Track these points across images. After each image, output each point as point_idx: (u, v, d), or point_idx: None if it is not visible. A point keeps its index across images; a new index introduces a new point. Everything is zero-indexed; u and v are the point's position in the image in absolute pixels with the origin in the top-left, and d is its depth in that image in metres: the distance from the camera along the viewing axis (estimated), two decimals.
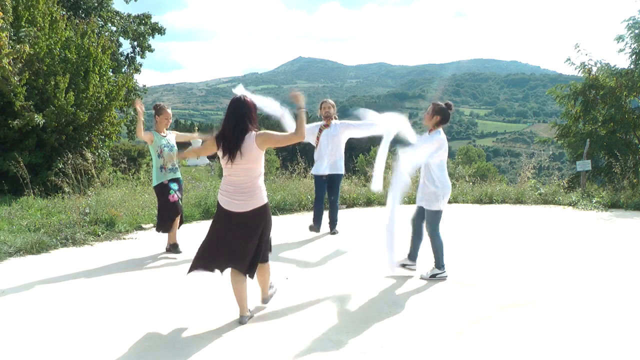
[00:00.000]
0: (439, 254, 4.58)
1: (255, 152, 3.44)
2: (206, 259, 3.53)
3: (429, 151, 4.48)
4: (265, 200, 3.57)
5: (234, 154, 3.41)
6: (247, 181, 3.47)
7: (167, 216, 5.36)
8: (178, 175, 5.45)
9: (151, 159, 5.68)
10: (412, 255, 4.81)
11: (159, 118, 5.39)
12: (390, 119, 5.08)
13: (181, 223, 5.59)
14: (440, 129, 4.55)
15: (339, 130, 6.16)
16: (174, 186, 5.36)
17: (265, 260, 3.68)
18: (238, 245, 3.49)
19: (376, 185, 5.15)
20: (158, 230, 5.52)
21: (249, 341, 3.28)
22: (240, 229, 3.49)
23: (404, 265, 4.79)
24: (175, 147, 5.47)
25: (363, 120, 5.91)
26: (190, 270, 3.58)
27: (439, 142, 4.46)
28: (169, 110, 5.44)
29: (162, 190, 5.33)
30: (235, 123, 3.42)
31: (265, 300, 3.91)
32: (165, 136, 5.40)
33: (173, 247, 5.50)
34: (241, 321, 3.58)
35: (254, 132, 3.46)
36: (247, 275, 3.58)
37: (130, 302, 4.04)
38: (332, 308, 3.88)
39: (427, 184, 4.56)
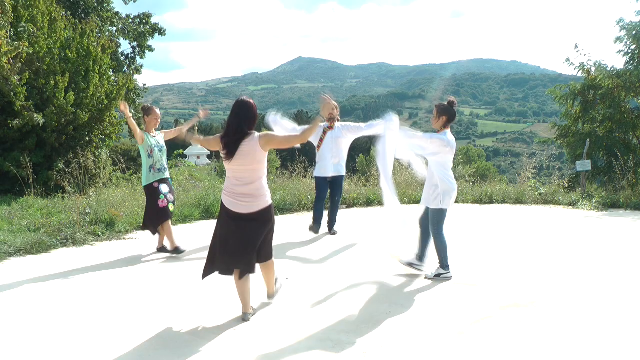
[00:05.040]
0: (443, 254, 4.57)
1: (259, 154, 3.46)
2: (216, 262, 3.57)
3: (425, 148, 4.46)
4: (270, 202, 3.58)
5: (236, 155, 3.44)
6: (251, 182, 3.49)
7: (156, 219, 5.36)
8: (167, 175, 5.47)
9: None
10: (421, 256, 4.76)
11: (147, 118, 5.40)
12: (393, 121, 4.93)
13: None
14: (448, 130, 4.51)
15: (342, 133, 6.20)
16: (164, 189, 5.36)
17: (269, 257, 3.70)
18: (243, 246, 3.49)
19: (392, 205, 4.56)
20: (144, 229, 5.61)
21: (248, 341, 3.27)
22: (245, 231, 3.49)
23: (411, 265, 4.76)
24: (165, 147, 5.51)
25: (366, 123, 5.94)
26: (204, 275, 3.65)
27: (441, 142, 4.42)
28: (158, 111, 5.47)
29: (151, 193, 5.34)
30: (239, 125, 3.45)
31: (271, 296, 3.92)
32: (154, 136, 5.43)
33: (175, 250, 5.47)
34: (244, 318, 3.58)
35: (257, 134, 3.48)
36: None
37: (131, 302, 4.04)
38: (332, 308, 3.87)
39: (430, 183, 4.56)
